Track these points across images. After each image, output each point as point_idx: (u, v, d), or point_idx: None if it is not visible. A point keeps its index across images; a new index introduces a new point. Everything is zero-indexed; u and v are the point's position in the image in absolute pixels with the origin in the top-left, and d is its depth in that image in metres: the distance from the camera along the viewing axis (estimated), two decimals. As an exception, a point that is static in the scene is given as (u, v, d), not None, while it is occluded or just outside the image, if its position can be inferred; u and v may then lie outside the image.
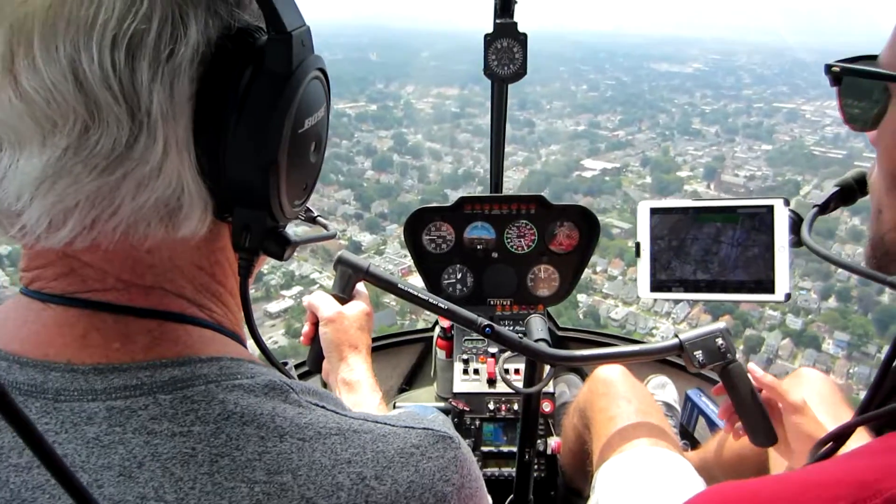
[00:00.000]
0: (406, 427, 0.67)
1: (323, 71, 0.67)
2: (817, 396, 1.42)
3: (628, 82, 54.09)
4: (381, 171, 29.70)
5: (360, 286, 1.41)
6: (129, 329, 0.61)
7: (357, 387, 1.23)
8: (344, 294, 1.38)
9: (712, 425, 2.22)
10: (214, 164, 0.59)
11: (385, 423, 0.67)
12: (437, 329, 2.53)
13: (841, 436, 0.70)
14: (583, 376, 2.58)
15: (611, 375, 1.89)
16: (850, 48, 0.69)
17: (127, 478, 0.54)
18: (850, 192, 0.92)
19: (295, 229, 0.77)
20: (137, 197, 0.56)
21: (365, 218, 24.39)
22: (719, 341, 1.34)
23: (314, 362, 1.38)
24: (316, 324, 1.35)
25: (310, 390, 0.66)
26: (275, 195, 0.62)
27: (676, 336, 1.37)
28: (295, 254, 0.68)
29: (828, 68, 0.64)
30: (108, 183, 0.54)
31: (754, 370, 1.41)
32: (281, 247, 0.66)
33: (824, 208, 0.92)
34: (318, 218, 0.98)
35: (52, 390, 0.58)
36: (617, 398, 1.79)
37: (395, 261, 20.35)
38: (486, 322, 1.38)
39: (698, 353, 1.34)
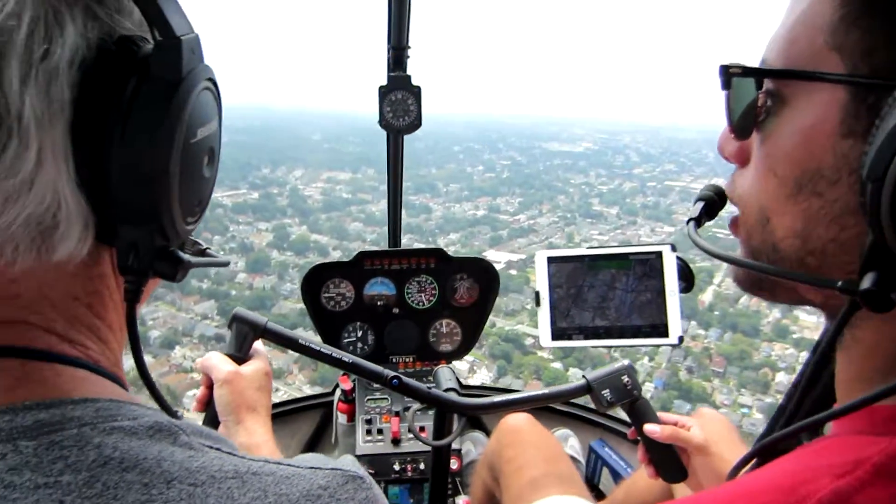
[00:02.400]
0: (312, 468, 0.62)
1: (214, 82, 0.63)
2: (717, 436, 1.43)
3: (524, 162, 53.55)
4: (257, 274, 25.54)
5: (258, 345, 1.35)
6: None
7: (257, 451, 1.13)
8: (240, 354, 1.30)
9: (616, 476, 2.23)
10: (97, 175, 0.53)
11: (289, 465, 0.61)
12: (338, 392, 2.43)
13: (764, 452, 0.68)
14: (488, 433, 2.53)
15: (518, 424, 1.90)
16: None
17: None
18: (714, 205, 0.85)
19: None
20: (5, 214, 0.50)
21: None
22: (625, 379, 1.37)
23: (210, 427, 1.12)
24: (211, 387, 1.25)
25: (202, 432, 0.60)
26: (165, 210, 0.57)
27: (584, 377, 1.40)
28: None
29: (722, 69, 0.63)
30: None
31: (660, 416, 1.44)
32: (173, 267, 0.60)
33: (699, 222, 0.84)
34: (208, 250, 0.86)
35: None
36: (525, 446, 1.80)
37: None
38: (393, 374, 1.38)
39: (606, 392, 1.37)
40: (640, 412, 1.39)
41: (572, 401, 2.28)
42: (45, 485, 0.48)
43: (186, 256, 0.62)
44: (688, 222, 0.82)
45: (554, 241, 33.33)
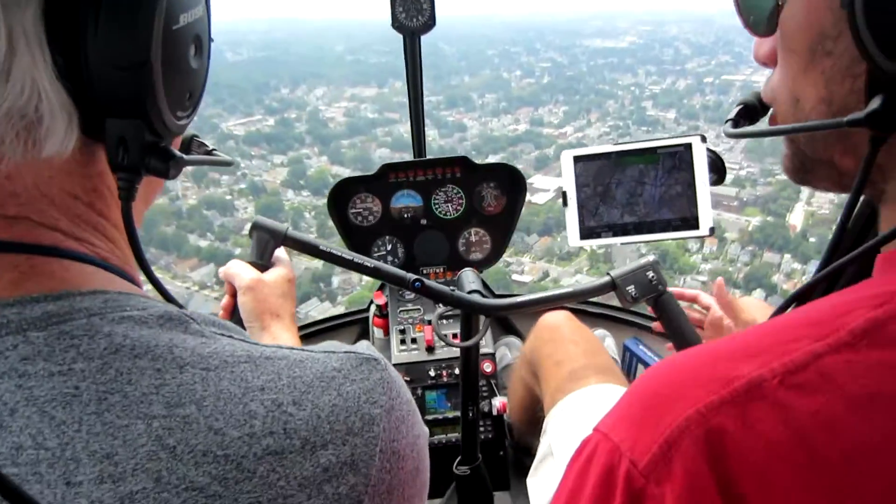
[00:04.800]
0: (326, 352, 0.62)
1: None
2: (754, 316, 1.50)
3: (565, 63, 49.09)
4: (267, 223, 22.41)
5: (280, 252, 1.36)
6: None
7: None
8: (262, 261, 1.32)
9: None
10: (75, 65, 0.51)
11: (302, 350, 0.62)
12: (373, 308, 2.44)
13: (803, 294, 0.70)
14: (522, 338, 2.57)
15: (556, 321, 1.94)
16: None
17: None
18: (754, 110, 0.85)
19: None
20: None
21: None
22: (650, 274, 1.39)
23: None
24: (235, 295, 1.26)
25: (213, 321, 0.60)
26: (150, 102, 0.55)
27: (608, 274, 1.41)
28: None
29: None
30: None
31: (696, 294, 1.61)
32: (164, 162, 0.59)
33: (736, 123, 0.85)
34: (214, 151, 0.89)
35: None
36: (564, 342, 1.83)
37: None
38: (415, 277, 1.39)
39: (630, 288, 1.38)
40: (665, 306, 1.39)
41: (606, 302, 2.38)
42: (59, 372, 0.49)
43: (179, 153, 0.60)
44: (725, 122, 0.82)
45: (608, 160, 29.64)
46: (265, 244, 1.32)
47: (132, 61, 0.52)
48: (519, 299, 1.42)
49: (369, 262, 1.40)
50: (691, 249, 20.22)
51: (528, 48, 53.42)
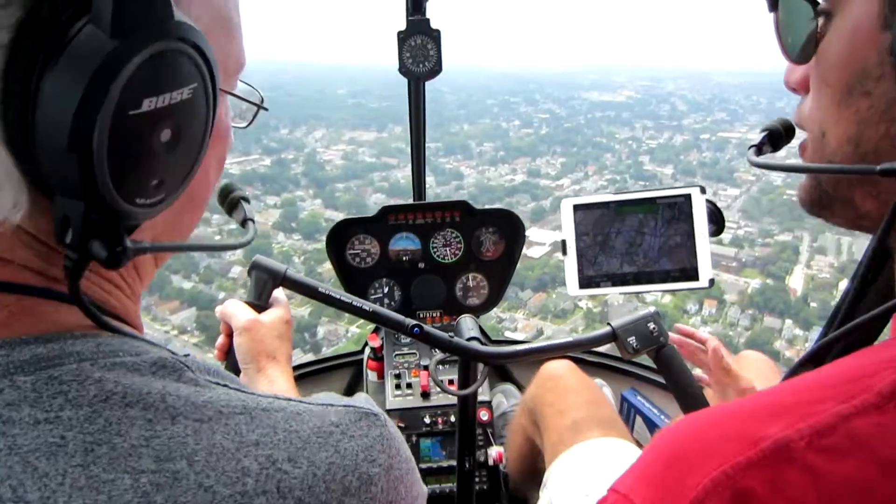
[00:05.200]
0: (324, 405, 0.60)
1: (194, 45, 0.53)
2: (761, 378, 1.48)
3: (563, 115, 49.49)
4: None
5: (279, 293, 1.34)
6: None
7: None
8: (260, 301, 1.31)
9: (651, 424, 2.25)
10: (23, 137, 0.48)
11: (300, 402, 0.59)
12: (367, 350, 2.37)
13: (816, 354, 0.70)
14: (519, 386, 2.56)
15: (558, 370, 1.90)
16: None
17: None
18: (778, 137, 0.86)
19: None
20: None
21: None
22: (651, 325, 1.36)
23: None
24: (231, 335, 1.25)
25: (209, 369, 0.58)
26: (94, 186, 0.50)
27: (609, 324, 1.38)
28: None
29: None
30: None
31: (706, 338, 1.57)
32: (109, 249, 0.52)
33: (759, 151, 0.85)
34: (251, 221, 0.87)
35: None
36: (567, 391, 1.80)
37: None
38: (414, 322, 1.37)
39: (632, 339, 1.35)
40: (666, 358, 1.34)
41: (604, 352, 2.34)
42: (46, 420, 0.47)
43: (131, 244, 0.53)
44: (749, 148, 0.82)
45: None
46: (263, 284, 1.30)
47: (72, 143, 0.47)
48: (520, 348, 1.40)
49: (368, 305, 1.37)
50: (690, 311, 19.83)
51: (528, 99, 53.97)
